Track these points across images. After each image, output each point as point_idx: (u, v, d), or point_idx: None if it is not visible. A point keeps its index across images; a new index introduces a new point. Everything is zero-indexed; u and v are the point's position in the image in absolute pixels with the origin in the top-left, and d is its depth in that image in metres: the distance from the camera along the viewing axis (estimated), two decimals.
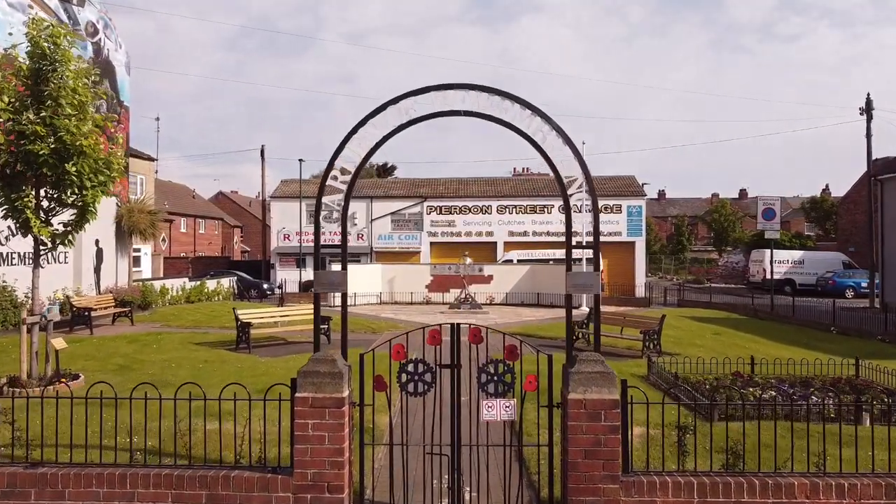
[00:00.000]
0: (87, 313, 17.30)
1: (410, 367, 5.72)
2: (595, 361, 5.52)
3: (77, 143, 10.24)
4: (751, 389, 10.59)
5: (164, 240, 45.91)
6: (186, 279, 27.84)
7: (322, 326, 15.92)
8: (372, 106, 6.09)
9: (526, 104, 6.00)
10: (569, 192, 6.04)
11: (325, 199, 6.24)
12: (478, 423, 5.85)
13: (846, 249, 41.40)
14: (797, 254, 39.52)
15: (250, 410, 5.89)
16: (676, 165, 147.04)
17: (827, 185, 77.02)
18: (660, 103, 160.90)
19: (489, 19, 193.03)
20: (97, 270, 21.12)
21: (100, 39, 20.94)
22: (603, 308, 25.92)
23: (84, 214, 10.89)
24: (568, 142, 5.98)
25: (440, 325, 5.92)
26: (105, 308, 19.15)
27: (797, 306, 22.91)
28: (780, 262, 38.96)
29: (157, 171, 35.97)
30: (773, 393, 10.36)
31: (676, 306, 28.61)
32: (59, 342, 11.11)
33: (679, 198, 77.87)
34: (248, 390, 6.06)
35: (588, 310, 27.48)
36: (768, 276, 38.82)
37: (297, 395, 5.51)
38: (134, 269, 31.23)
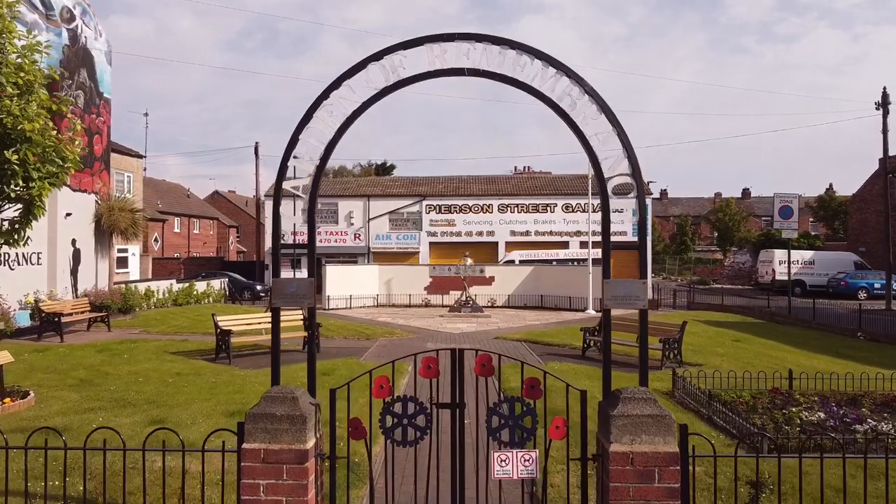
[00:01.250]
0: (56, 319, 15.83)
1: (397, 408, 4.25)
2: (645, 400, 4.08)
3: (20, 128, 8.77)
4: (793, 409, 9.14)
5: (156, 240, 44.43)
6: (174, 281, 26.38)
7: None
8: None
9: (550, 60, 4.53)
10: (607, 177, 4.58)
11: (288, 186, 4.78)
12: (487, 480, 4.39)
13: (856, 249, 39.95)
14: (807, 254, 38.05)
15: (184, 467, 4.41)
16: (677, 165, 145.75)
17: (831, 185, 75.61)
18: (658, 104, 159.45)
19: (489, 20, 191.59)
20: (74, 272, 19.63)
21: (77, 26, 19.46)
22: (619, 312, 24.35)
23: (30, 210, 9.43)
24: (604, 109, 4.52)
25: (437, 350, 4.45)
26: (81, 313, 17.68)
27: (817, 309, 21.42)
28: (790, 263, 37.50)
29: (145, 169, 34.51)
30: (822, 415, 8.90)
31: (686, 309, 27.12)
32: (3, 355, 9.64)
33: (681, 197, 76.41)
34: (180, 438, 4.57)
35: (594, 313, 26.06)
36: (778, 277, 37.38)
37: (244, 446, 4.06)
38: (120, 271, 29.76)
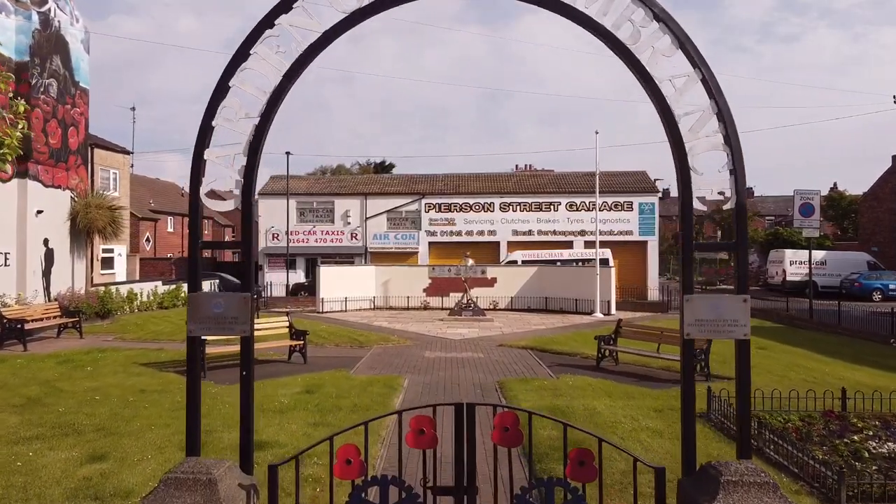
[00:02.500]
0: (19, 326, 14.32)
1: (373, 494, 2.74)
2: (759, 486, 2.58)
3: None
4: (855, 438, 7.64)
5: (148, 240, 42.91)
6: (159, 282, 24.85)
7: (296, 343, 13.03)
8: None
9: None
10: (688, 144, 3.06)
11: (216, 156, 3.27)
12: None
13: (868, 249, 38.46)
14: (819, 254, 36.49)
15: None
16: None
17: (835, 184, 74.21)
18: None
19: (489, 19, 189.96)
20: (46, 274, 18.10)
21: (49, 9, 17.92)
22: (627, 315, 22.82)
23: None
24: (683, 43, 3.00)
25: (433, 406, 2.92)
26: (51, 318, 16.18)
27: (843, 313, 19.87)
28: (801, 263, 36.01)
29: (132, 165, 32.98)
30: (893, 445, 7.39)
31: None
32: None
33: None
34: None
35: (601, 316, 24.44)
36: (789, 278, 35.90)
37: None
38: (106, 272, 28.26)
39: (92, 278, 26.88)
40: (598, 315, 23.95)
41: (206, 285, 28.07)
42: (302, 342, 13.36)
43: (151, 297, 23.65)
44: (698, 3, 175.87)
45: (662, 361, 12.86)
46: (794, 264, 35.93)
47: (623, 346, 13.63)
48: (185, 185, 65.41)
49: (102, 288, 20.15)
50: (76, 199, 19.30)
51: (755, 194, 74.10)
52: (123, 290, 22.08)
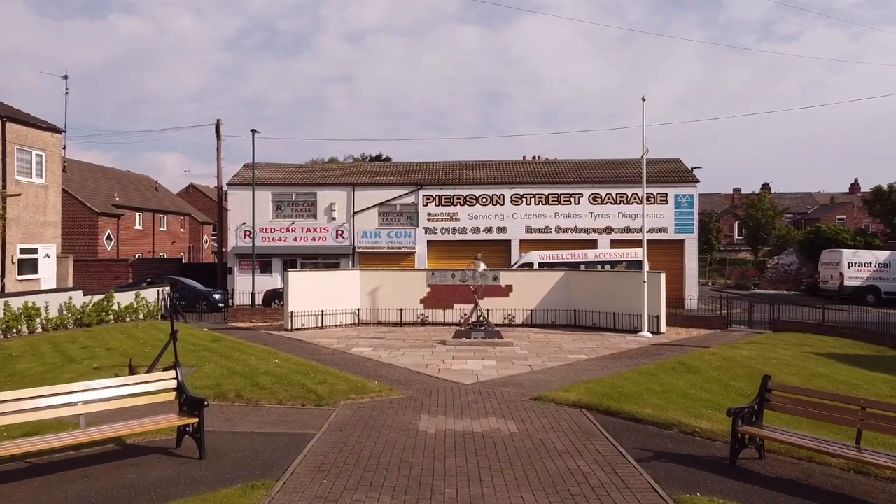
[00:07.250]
0: None
1: None
2: None
3: None
4: None
5: (109, 238, 36.60)
6: (78, 292, 18.54)
7: (188, 421, 6.72)
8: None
9: None
10: None
11: None
12: None
13: None
14: (882, 255, 30.36)
15: None
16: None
17: (856, 180, 68.43)
18: (659, 101, 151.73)
19: (489, 19, 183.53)
20: None
21: None
22: (679, 333, 16.11)
23: None
24: None
25: None
26: None
27: None
28: (861, 266, 29.90)
29: (65, 147, 26.68)
30: None
31: (769, 329, 19.36)
32: None
33: None
34: None
35: (650, 336, 17.94)
36: (847, 283, 29.81)
37: None
38: (25, 277, 22.02)
39: (3, 286, 20.65)
40: (646, 334, 17.71)
41: (152, 293, 21.77)
42: (197, 420, 7.07)
43: (65, 312, 17.38)
44: (697, 3, 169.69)
45: (849, 460, 6.64)
46: (852, 267, 29.76)
47: (770, 422, 7.38)
48: (159, 179, 58.67)
49: None
50: None
51: (772, 190, 68.11)
52: (16, 303, 15.85)
